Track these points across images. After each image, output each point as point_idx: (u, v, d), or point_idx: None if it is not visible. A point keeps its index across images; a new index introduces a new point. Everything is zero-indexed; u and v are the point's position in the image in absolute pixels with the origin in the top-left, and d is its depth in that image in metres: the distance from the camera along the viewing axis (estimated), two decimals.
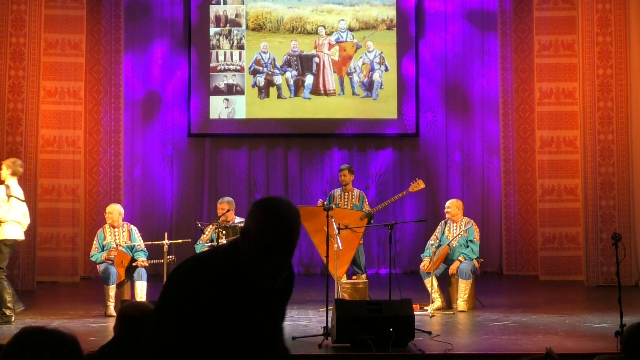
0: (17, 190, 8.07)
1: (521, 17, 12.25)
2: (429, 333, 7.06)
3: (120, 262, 8.68)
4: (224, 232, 8.69)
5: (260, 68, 12.54)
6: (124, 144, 12.21)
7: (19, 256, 10.50)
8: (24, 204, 8.13)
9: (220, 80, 12.52)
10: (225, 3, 12.61)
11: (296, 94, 12.54)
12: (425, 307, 8.45)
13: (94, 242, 8.92)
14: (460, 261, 8.75)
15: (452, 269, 8.76)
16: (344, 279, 8.86)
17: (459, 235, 8.89)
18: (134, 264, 8.69)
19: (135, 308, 3.52)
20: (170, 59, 12.59)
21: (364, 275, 9.48)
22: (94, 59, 12.07)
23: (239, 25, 12.60)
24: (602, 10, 10.86)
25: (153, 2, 12.58)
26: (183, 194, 12.55)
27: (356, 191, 9.84)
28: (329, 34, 12.63)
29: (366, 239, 10.34)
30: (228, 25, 12.59)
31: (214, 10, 12.58)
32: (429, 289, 8.57)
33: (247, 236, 2.43)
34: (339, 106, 12.57)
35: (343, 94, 12.57)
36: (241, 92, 12.51)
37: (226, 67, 12.54)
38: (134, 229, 9.00)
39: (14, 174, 8.13)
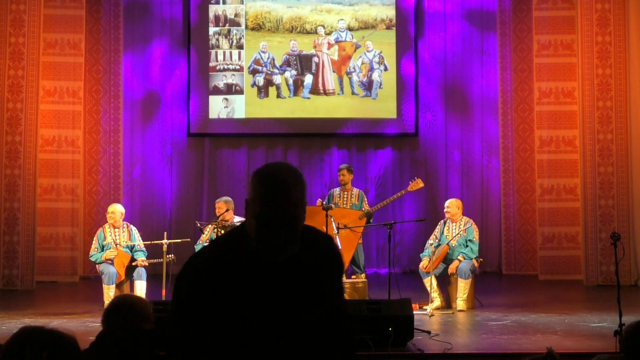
0: None
1: (520, 17, 12.25)
2: (428, 332, 7.06)
3: (120, 262, 8.69)
4: (222, 232, 8.70)
5: (260, 68, 12.54)
6: (123, 144, 12.21)
7: (18, 256, 10.50)
8: None
9: (220, 80, 12.51)
10: (224, 3, 12.60)
11: (295, 93, 12.53)
12: (425, 307, 8.45)
13: (94, 242, 8.93)
14: (460, 261, 8.75)
15: (452, 268, 8.76)
16: (343, 279, 8.86)
17: (459, 235, 8.89)
18: (133, 264, 8.70)
19: (119, 299, 3.47)
20: (169, 58, 12.58)
21: (363, 275, 9.49)
22: (93, 59, 12.06)
23: (238, 24, 12.59)
24: (601, 10, 10.86)
25: (152, 2, 12.57)
26: (182, 193, 12.55)
27: (355, 190, 9.83)
28: (328, 34, 12.62)
29: (365, 239, 10.34)
30: (227, 24, 12.59)
31: (213, 9, 12.58)
32: (428, 289, 8.57)
33: (246, 209, 2.30)
34: (338, 106, 12.56)
35: (342, 93, 12.56)
36: (240, 92, 12.51)
37: (225, 66, 12.53)
38: (134, 228, 9.01)
39: None
